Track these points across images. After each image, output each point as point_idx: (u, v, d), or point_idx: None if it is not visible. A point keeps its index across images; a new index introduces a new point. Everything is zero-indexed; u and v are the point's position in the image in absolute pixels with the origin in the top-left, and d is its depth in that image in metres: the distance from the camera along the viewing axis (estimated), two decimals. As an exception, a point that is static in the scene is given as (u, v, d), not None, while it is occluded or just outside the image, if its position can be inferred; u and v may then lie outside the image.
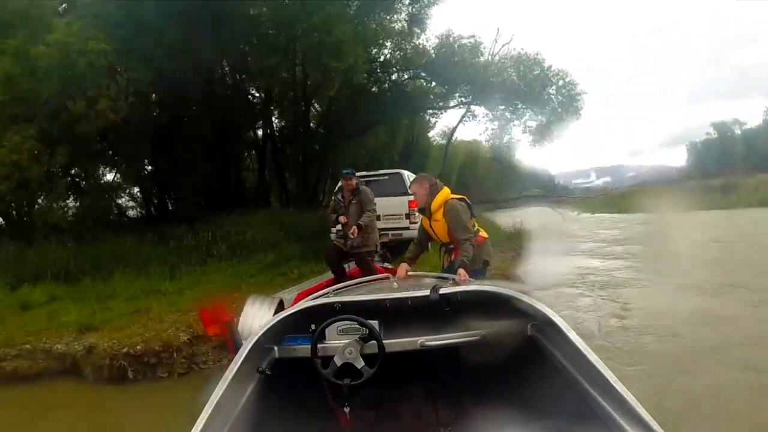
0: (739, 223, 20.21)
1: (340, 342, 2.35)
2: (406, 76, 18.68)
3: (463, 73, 16.57)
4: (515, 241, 14.23)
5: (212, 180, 16.90)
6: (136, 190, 18.44)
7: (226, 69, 16.34)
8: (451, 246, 4.29)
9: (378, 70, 17.35)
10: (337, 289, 3.25)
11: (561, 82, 18.11)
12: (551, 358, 2.18)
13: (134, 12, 10.90)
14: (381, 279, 3.43)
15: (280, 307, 3.63)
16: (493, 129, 21.01)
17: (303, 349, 2.40)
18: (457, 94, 18.81)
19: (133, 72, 10.70)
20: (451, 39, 16.83)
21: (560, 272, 11.00)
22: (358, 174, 10.77)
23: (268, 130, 18.26)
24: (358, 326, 2.37)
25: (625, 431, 1.59)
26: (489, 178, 36.23)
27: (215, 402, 1.82)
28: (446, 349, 2.45)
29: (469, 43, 16.77)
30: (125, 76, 10.49)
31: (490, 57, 18.10)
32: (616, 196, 34.14)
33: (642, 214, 25.81)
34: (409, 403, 2.88)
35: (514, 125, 20.00)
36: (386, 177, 10.63)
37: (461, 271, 3.66)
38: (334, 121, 18.63)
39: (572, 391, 1.97)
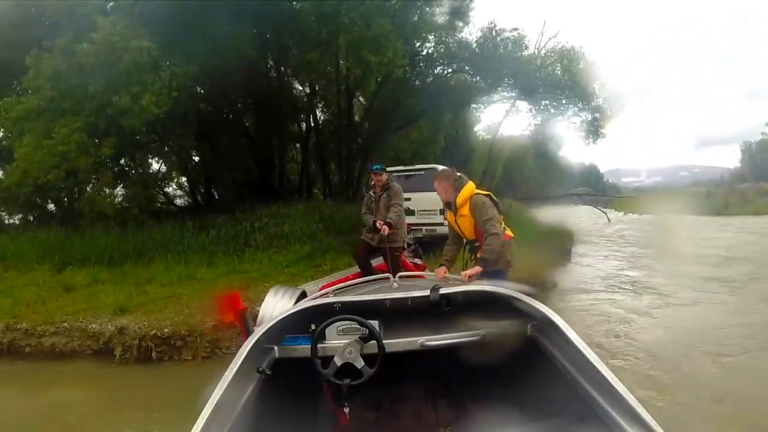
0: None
1: (340, 342, 2.36)
2: (449, 70, 18.45)
3: (506, 66, 16.25)
4: (554, 241, 13.95)
5: (255, 172, 17.23)
6: (183, 179, 19.05)
7: (270, 63, 16.53)
8: (477, 244, 4.18)
9: (421, 64, 17.24)
10: (337, 289, 3.25)
11: (606, 76, 17.60)
12: (551, 358, 2.17)
13: (177, 9, 11.16)
14: (381, 279, 3.41)
15: (302, 297, 3.62)
16: (536, 124, 20.65)
17: (303, 349, 2.40)
18: (500, 89, 18.47)
19: (176, 68, 10.96)
20: (494, 32, 16.50)
21: (596, 278, 10.78)
22: (394, 168, 10.91)
23: (312, 123, 18.35)
24: (358, 326, 2.37)
25: (625, 431, 1.58)
26: (535, 175, 35.52)
27: (215, 402, 1.83)
28: (446, 349, 2.44)
29: (512, 36, 16.44)
30: (168, 71, 10.72)
31: (536, 50, 17.77)
32: (666, 198, 33.02)
33: (691, 217, 24.77)
34: (409, 403, 2.88)
35: (558, 120, 19.60)
36: (422, 172, 10.61)
37: (474, 268, 3.70)
38: (378, 114, 18.59)
39: (572, 391, 1.97)
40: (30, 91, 11.17)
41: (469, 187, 4.18)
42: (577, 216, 24.02)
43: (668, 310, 8.12)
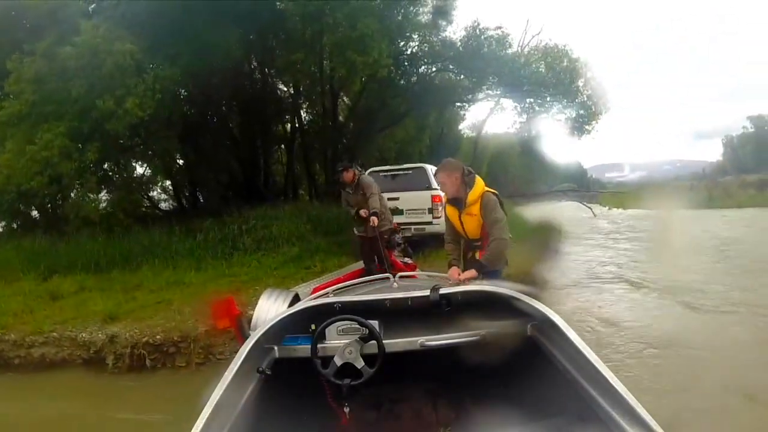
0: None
1: (340, 342, 2.37)
2: (433, 69, 18.46)
3: (490, 65, 16.28)
4: (541, 237, 14.03)
5: (240, 174, 17.15)
6: (168, 183, 18.89)
7: (254, 65, 16.45)
8: (477, 243, 3.97)
9: (405, 63, 17.24)
10: (337, 289, 3.27)
11: (589, 74, 17.77)
12: (551, 358, 2.18)
13: (160, 11, 11.06)
14: (381, 279, 3.40)
15: (295, 300, 3.61)
16: (521, 122, 20.75)
17: (303, 349, 2.41)
18: (485, 87, 18.48)
19: (160, 69, 10.85)
20: (477, 31, 16.54)
21: (583, 271, 10.86)
22: (381, 168, 10.94)
23: (297, 124, 18.31)
24: (358, 326, 2.38)
25: (625, 431, 1.59)
26: (520, 172, 35.74)
27: (215, 402, 1.83)
28: (446, 349, 2.45)
29: (496, 34, 16.48)
30: (152, 74, 10.63)
31: (519, 48, 17.84)
32: (650, 191, 33.31)
33: (675, 211, 25.05)
34: (409, 403, 2.87)
35: (542, 118, 19.71)
36: (409, 171, 10.61)
37: (470, 271, 3.59)
38: (363, 114, 18.59)
39: (572, 391, 1.98)
40: (12, 96, 10.99)
41: (480, 183, 3.86)
42: (563, 212, 24.18)
43: (655, 300, 8.29)
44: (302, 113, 18.83)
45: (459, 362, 2.52)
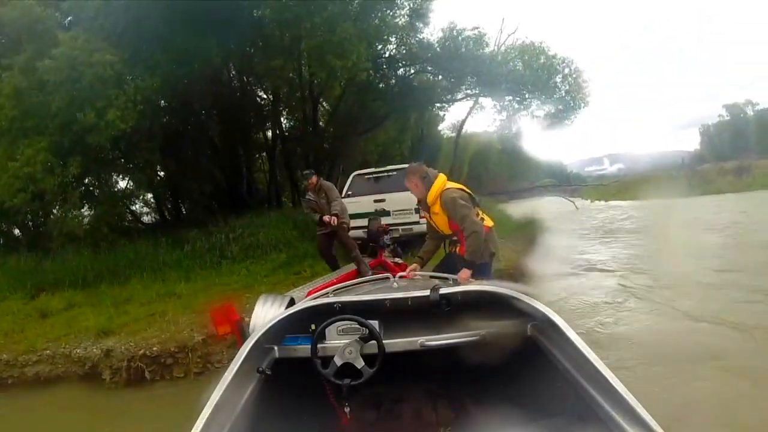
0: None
1: (340, 342, 2.37)
2: (412, 71, 18.53)
3: (468, 65, 16.40)
4: (526, 232, 14.18)
5: (223, 183, 17.04)
6: (149, 196, 18.67)
7: (233, 72, 16.38)
8: (455, 238, 4.13)
9: (384, 66, 17.27)
10: (337, 289, 3.25)
11: (567, 70, 17.97)
12: (551, 358, 2.19)
13: (138, 21, 10.95)
14: (381, 279, 3.41)
15: (291, 304, 3.63)
16: (501, 120, 20.92)
17: (303, 349, 2.42)
18: (463, 87, 18.61)
19: (140, 80, 10.75)
20: (454, 32, 16.64)
21: (570, 263, 11.00)
22: (366, 171, 11.02)
23: (278, 131, 18.23)
24: (358, 326, 2.39)
25: (625, 431, 1.60)
26: (501, 170, 35.95)
27: (215, 402, 1.84)
28: (446, 349, 2.46)
29: (473, 35, 16.57)
30: (132, 84, 10.54)
31: (495, 48, 17.99)
32: (630, 183, 33.78)
33: (655, 201, 25.46)
34: (409, 403, 2.87)
35: (522, 115, 19.90)
36: (394, 173, 10.65)
37: (464, 272, 3.63)
38: (343, 118, 18.61)
39: (572, 391, 1.99)
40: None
41: (439, 183, 4.04)
42: (546, 207, 24.40)
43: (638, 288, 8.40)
44: (283, 120, 18.79)
45: (459, 362, 2.53)
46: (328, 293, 3.07)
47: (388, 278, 3.23)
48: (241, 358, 2.14)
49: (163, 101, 13.42)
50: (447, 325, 2.51)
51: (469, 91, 19.15)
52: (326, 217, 6.92)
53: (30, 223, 12.39)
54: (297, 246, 11.55)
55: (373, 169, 11.54)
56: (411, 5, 16.08)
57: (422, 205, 4.22)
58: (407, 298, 2.57)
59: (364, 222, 7.71)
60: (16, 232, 13.28)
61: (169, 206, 18.60)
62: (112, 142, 10.90)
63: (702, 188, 30.91)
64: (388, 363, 2.33)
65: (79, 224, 11.68)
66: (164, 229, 14.04)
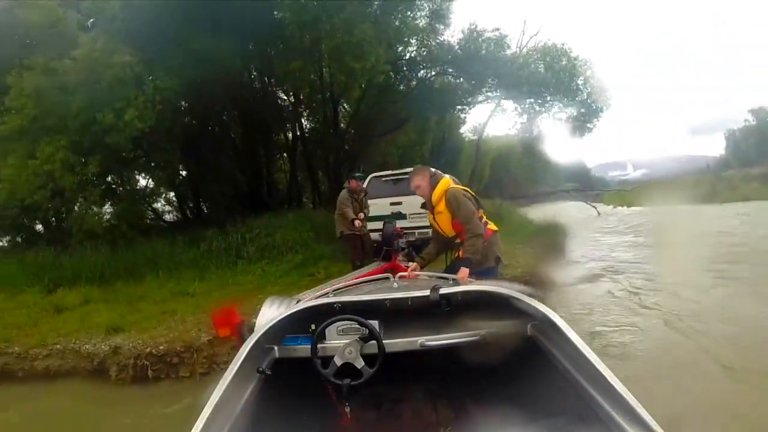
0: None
1: (340, 342, 2.36)
2: (432, 73, 18.55)
3: (489, 67, 16.33)
4: (545, 237, 13.99)
5: (243, 183, 17.17)
6: (172, 194, 18.94)
7: (254, 74, 16.51)
8: (458, 241, 4.14)
9: (404, 68, 17.30)
10: (337, 289, 3.25)
11: (589, 72, 17.77)
12: (551, 358, 2.17)
13: (157, 22, 11.11)
14: (381, 279, 3.40)
15: None
16: (522, 123, 20.73)
17: (303, 349, 2.40)
18: (484, 89, 18.54)
19: (160, 81, 10.89)
20: (475, 33, 16.58)
21: (589, 271, 10.81)
22: (384, 173, 11.10)
23: (299, 132, 18.34)
24: (358, 326, 2.37)
25: (624, 431, 1.58)
26: (522, 174, 35.70)
27: (215, 402, 1.83)
28: (446, 349, 2.44)
29: (494, 36, 16.52)
30: (151, 85, 10.67)
31: (518, 49, 17.85)
32: (653, 188, 33.18)
33: (679, 207, 24.91)
34: (409, 403, 2.87)
35: (543, 118, 19.69)
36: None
37: (462, 271, 3.61)
38: (364, 120, 18.64)
39: (572, 391, 1.97)
40: (13, 111, 11.02)
41: (444, 182, 4.14)
42: (568, 212, 24.07)
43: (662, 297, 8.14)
44: (303, 121, 18.86)
45: (459, 362, 2.52)
46: (328, 293, 3.07)
47: (388, 278, 3.23)
48: (241, 358, 2.14)
49: (183, 102, 13.59)
50: (447, 325, 2.50)
51: (490, 94, 19.08)
52: (357, 222, 7.55)
53: (53, 219, 12.60)
54: (313, 247, 11.58)
55: (390, 171, 11.49)
56: (431, 6, 16.08)
57: (427, 206, 4.27)
58: (407, 298, 2.55)
59: (379, 225, 7.67)
60: (39, 227, 13.53)
61: (191, 205, 18.85)
62: (132, 141, 11.07)
63: (726, 194, 30.27)
64: (388, 363, 2.31)
65: (99, 221, 11.87)
66: (185, 228, 14.22)
